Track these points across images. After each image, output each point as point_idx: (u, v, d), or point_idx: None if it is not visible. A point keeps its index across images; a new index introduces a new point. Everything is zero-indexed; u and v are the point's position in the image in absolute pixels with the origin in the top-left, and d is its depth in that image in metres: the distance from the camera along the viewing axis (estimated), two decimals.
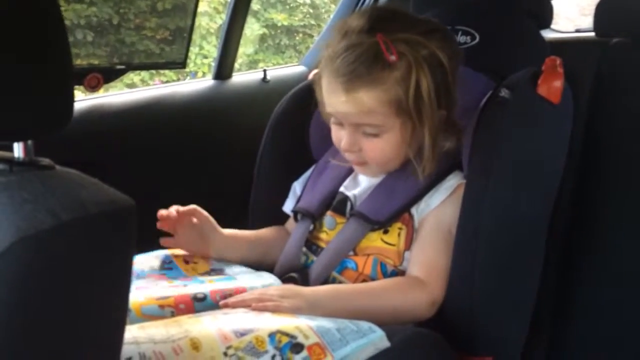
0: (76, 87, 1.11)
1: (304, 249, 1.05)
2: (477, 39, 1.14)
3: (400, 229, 0.97)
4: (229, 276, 0.97)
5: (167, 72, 4.51)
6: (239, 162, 1.31)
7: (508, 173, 0.92)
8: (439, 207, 0.97)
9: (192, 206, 1.02)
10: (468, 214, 0.93)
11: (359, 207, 1.01)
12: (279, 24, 5.22)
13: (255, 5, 4.71)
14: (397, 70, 0.90)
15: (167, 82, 3.96)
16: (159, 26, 1.38)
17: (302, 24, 5.36)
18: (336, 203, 1.05)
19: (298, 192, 1.15)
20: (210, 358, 0.72)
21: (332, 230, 1.03)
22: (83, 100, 1.35)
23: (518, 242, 0.95)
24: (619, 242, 1.11)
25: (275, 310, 0.83)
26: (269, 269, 1.05)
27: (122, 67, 1.26)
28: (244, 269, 1.02)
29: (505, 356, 0.97)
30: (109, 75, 1.21)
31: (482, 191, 0.92)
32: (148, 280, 0.93)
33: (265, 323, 0.78)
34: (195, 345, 0.72)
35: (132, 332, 0.73)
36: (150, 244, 0.94)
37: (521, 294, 0.97)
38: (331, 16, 2.01)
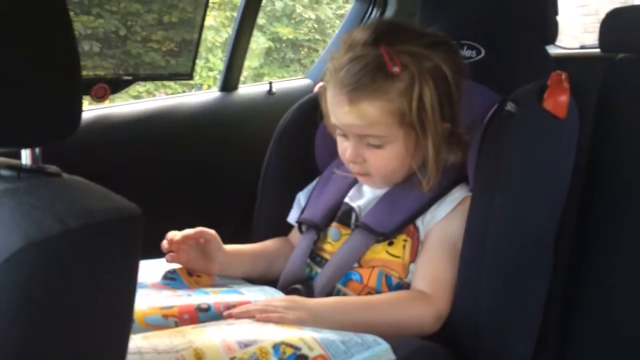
0: (83, 97, 1.11)
1: (309, 260, 1.05)
2: (483, 54, 1.14)
3: (405, 241, 0.97)
4: (233, 289, 0.96)
5: (172, 84, 4.54)
6: (244, 173, 1.31)
7: (514, 187, 0.92)
8: (445, 219, 0.96)
9: (199, 229, 1.02)
10: (474, 227, 0.93)
11: (364, 218, 1.01)
12: (284, 38, 5.26)
13: (260, 20, 4.74)
14: (401, 81, 0.91)
15: (172, 94, 3.98)
16: (165, 38, 1.40)
17: (307, 38, 5.41)
18: (341, 214, 1.05)
19: (302, 203, 1.15)
20: None
21: (336, 241, 1.03)
22: (89, 110, 1.36)
23: (524, 256, 0.94)
24: (628, 258, 1.10)
25: (280, 321, 0.83)
26: (273, 281, 1.05)
27: (129, 78, 1.26)
28: (245, 283, 1.01)
29: None
30: (115, 85, 1.22)
31: (488, 205, 0.92)
32: (150, 289, 0.93)
33: (270, 334, 0.78)
34: (198, 355, 0.72)
35: (136, 342, 0.73)
36: (153, 253, 0.94)
37: (527, 309, 0.97)
38: (336, 31, 2.02)
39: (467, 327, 0.92)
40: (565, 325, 1.10)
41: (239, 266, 1.06)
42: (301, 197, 1.16)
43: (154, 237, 0.94)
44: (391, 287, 0.97)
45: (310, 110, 1.19)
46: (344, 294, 0.98)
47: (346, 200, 1.07)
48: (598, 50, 1.25)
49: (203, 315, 0.86)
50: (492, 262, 0.91)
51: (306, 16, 5.33)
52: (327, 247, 1.04)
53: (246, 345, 0.75)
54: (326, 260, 1.02)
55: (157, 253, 0.99)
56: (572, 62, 1.24)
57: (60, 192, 0.52)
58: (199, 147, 1.48)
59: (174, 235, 1.00)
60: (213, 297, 0.90)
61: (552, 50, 1.22)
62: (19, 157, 0.62)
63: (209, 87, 4.64)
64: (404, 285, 0.97)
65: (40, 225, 0.47)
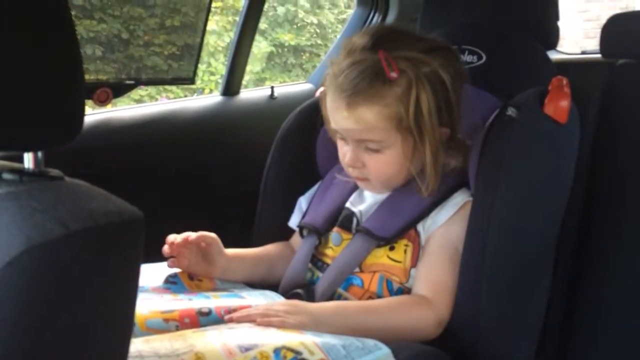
0: (85, 101, 1.12)
1: (310, 265, 1.05)
2: (484, 59, 1.14)
3: (406, 245, 0.97)
4: (234, 293, 0.96)
5: (174, 88, 4.55)
6: (246, 177, 1.32)
7: (515, 192, 0.92)
8: (446, 224, 0.96)
9: (200, 233, 1.02)
10: (475, 232, 0.93)
11: (365, 223, 1.01)
12: (286, 43, 5.27)
13: (262, 25, 4.76)
14: (398, 86, 0.91)
15: (173, 98, 3.99)
16: (167, 42, 1.40)
17: (309, 43, 5.42)
18: (342, 219, 1.05)
19: (304, 207, 1.15)
20: None
21: (338, 246, 1.03)
22: (91, 114, 1.36)
23: (525, 261, 0.94)
24: (628, 262, 1.10)
25: (280, 325, 0.83)
26: (274, 285, 1.05)
27: (132, 82, 1.27)
28: (247, 288, 1.01)
29: None
30: (118, 90, 1.22)
31: (489, 209, 0.92)
32: (152, 293, 0.93)
33: (270, 338, 0.78)
34: (199, 359, 0.72)
35: (137, 346, 0.73)
36: (155, 257, 0.94)
37: (528, 314, 0.97)
38: (337, 36, 2.02)
39: (468, 332, 0.92)
40: (565, 331, 1.10)
41: (240, 270, 1.06)
42: (302, 202, 1.16)
43: (156, 241, 0.94)
44: (392, 292, 0.97)
45: (311, 115, 1.19)
46: (345, 299, 0.98)
47: (347, 205, 1.07)
48: (599, 55, 1.25)
49: (204, 319, 0.86)
50: (492, 267, 0.91)
51: (308, 21, 5.34)
52: (329, 251, 1.04)
53: (247, 349, 0.75)
54: (327, 265, 1.02)
55: (159, 257, 0.99)
56: (573, 68, 1.25)
57: (62, 196, 0.53)
58: (201, 151, 1.48)
59: (174, 238, 1.00)
60: (214, 301, 0.90)
61: (553, 55, 1.22)
62: (21, 160, 0.62)
63: (211, 91, 4.65)
64: (405, 290, 0.96)
65: (42, 229, 0.47)
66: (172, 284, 0.97)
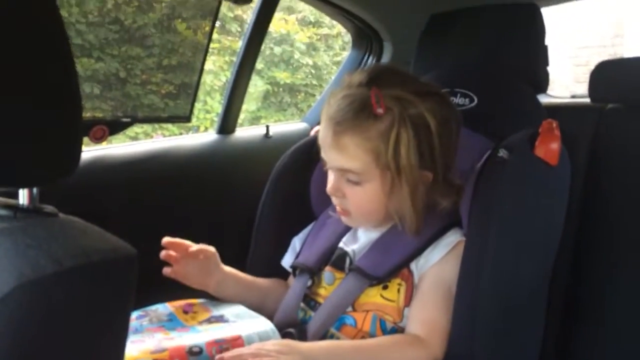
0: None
1: (302, 304, 1.04)
2: (475, 101, 1.17)
3: (399, 284, 0.97)
4: (226, 323, 0.95)
5: (169, 126, 4.57)
6: (240, 215, 1.32)
7: (507, 232, 0.93)
8: (439, 263, 0.96)
9: (200, 245, 1.04)
10: (468, 273, 0.93)
11: (358, 262, 1.01)
12: (282, 82, 5.34)
13: (259, 64, 4.83)
14: (382, 123, 0.93)
15: (169, 135, 4.01)
16: (164, 81, 1.42)
17: (304, 83, 5.48)
18: (335, 258, 1.05)
19: (298, 247, 1.15)
20: None
21: (330, 285, 1.03)
22: (87, 151, 1.36)
23: (518, 302, 0.94)
24: (619, 304, 1.10)
25: None
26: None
27: (128, 119, 1.28)
28: (243, 310, 1.00)
29: None
30: (114, 127, 1.23)
31: (482, 250, 0.92)
32: (144, 334, 0.92)
33: None
34: None
35: None
36: (150, 295, 0.93)
37: (522, 355, 0.96)
38: (332, 77, 2.05)
39: None
40: None
41: (233, 288, 1.07)
42: (296, 242, 1.16)
43: (150, 278, 0.93)
44: (386, 332, 0.96)
45: (306, 154, 1.20)
46: (338, 339, 0.97)
47: (340, 244, 1.07)
48: (588, 100, 1.28)
49: (194, 359, 0.85)
50: (486, 307, 0.90)
51: (304, 62, 5.42)
52: (321, 291, 1.04)
53: None
54: (320, 304, 1.02)
55: (152, 296, 0.98)
56: (562, 112, 1.26)
57: (56, 232, 0.53)
58: (196, 189, 1.48)
59: (170, 240, 1.01)
60: (205, 336, 0.89)
61: (543, 99, 1.24)
62: (16, 195, 0.62)
63: (206, 129, 4.68)
64: (398, 330, 0.96)
65: (35, 265, 0.47)
66: (166, 321, 0.96)
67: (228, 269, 1.08)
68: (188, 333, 0.92)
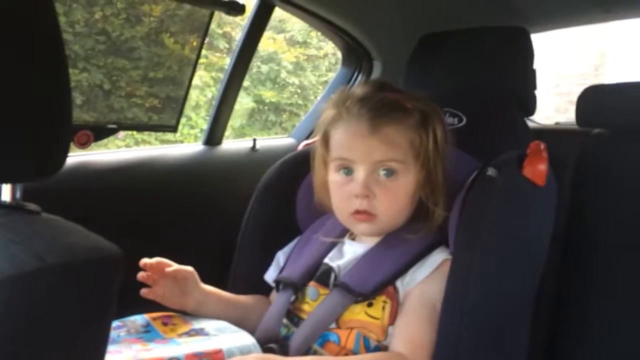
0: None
1: (285, 320, 1.02)
2: (464, 121, 1.17)
3: (384, 302, 0.96)
4: (206, 336, 0.93)
5: (152, 140, 4.54)
6: (224, 227, 1.30)
7: (494, 251, 0.92)
8: (424, 281, 0.96)
9: (178, 266, 1.01)
10: (453, 291, 0.92)
11: (343, 277, 0.99)
12: (267, 101, 5.35)
13: (246, 82, 4.85)
14: (413, 116, 0.98)
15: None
16: (149, 95, 1.41)
17: (289, 102, 5.50)
18: (320, 273, 1.03)
19: (281, 262, 1.13)
20: None
21: (314, 301, 1.01)
22: (70, 156, 1.34)
23: (503, 321, 0.93)
24: (603, 323, 1.10)
25: None
26: None
27: (114, 126, 1.26)
28: (224, 325, 0.98)
29: None
30: (99, 133, 1.22)
31: (468, 268, 0.91)
32: (122, 345, 0.89)
33: None
34: None
35: None
36: (129, 302, 0.91)
37: None
38: (318, 97, 2.06)
39: None
40: None
41: (213, 307, 1.04)
42: (280, 256, 1.15)
43: (129, 288, 0.91)
44: (369, 350, 0.94)
45: (293, 168, 1.19)
46: (321, 355, 0.95)
47: (326, 260, 1.05)
48: (574, 125, 1.29)
49: None
50: (471, 326, 0.90)
51: (290, 81, 5.45)
52: (305, 307, 1.02)
53: None
54: (303, 320, 1.00)
55: (132, 304, 0.95)
56: (549, 135, 1.28)
57: (40, 229, 0.51)
58: (179, 199, 1.47)
59: (148, 261, 0.99)
60: (185, 348, 0.87)
61: (529, 124, 1.26)
62: None
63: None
64: (382, 348, 0.94)
65: (16, 261, 0.45)
66: (145, 332, 0.94)
67: (208, 288, 1.05)
68: (167, 345, 0.89)
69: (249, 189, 1.24)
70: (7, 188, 0.60)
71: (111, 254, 0.50)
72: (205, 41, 1.41)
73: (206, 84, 4.95)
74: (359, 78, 1.83)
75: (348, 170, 0.99)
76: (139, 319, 0.98)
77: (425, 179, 0.99)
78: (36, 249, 0.46)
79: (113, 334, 0.93)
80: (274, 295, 1.11)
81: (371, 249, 1.02)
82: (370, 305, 0.96)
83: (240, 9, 1.31)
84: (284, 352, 0.95)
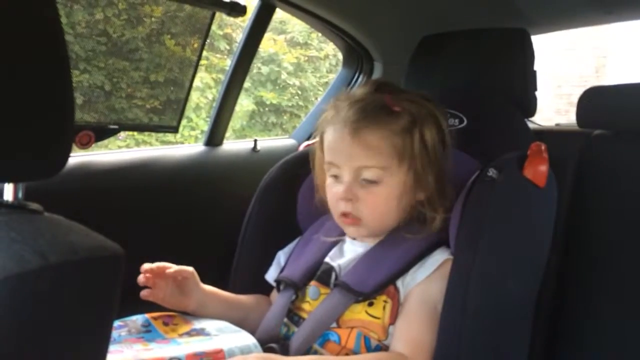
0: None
1: (286, 320, 1.03)
2: (465, 122, 1.18)
3: (385, 302, 0.96)
4: (207, 336, 0.93)
5: (153, 142, 4.54)
6: (225, 228, 1.30)
7: (495, 251, 0.92)
8: (425, 281, 0.96)
9: (178, 267, 1.01)
10: (454, 292, 0.92)
11: (344, 277, 0.99)
12: (268, 102, 5.35)
13: (246, 83, 4.86)
14: (402, 119, 0.97)
15: None
16: (150, 96, 1.41)
17: (290, 104, 5.50)
18: (320, 273, 1.04)
19: (282, 262, 1.13)
20: None
21: (315, 300, 1.01)
22: (71, 156, 1.34)
23: (504, 322, 0.93)
24: (602, 326, 1.10)
25: None
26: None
27: (115, 127, 1.26)
28: (225, 325, 0.98)
29: None
30: (101, 133, 1.22)
31: (469, 269, 0.92)
32: (123, 345, 0.89)
33: None
34: None
35: None
36: (130, 302, 0.91)
37: None
38: (319, 99, 2.06)
39: None
40: None
41: (213, 308, 1.04)
42: (281, 256, 1.15)
43: (130, 288, 0.91)
44: (370, 349, 0.94)
45: (294, 169, 1.19)
46: (321, 355, 0.95)
47: (326, 259, 1.06)
48: (574, 126, 1.29)
49: None
50: (471, 328, 0.90)
51: (290, 82, 5.45)
52: (306, 306, 1.02)
53: None
54: (304, 319, 1.00)
55: (132, 304, 0.95)
56: (550, 136, 1.28)
57: (42, 228, 0.51)
58: (180, 199, 1.46)
59: (149, 267, 0.98)
60: (186, 348, 0.87)
61: (529, 125, 1.26)
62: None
63: None
64: (383, 348, 0.94)
65: (19, 259, 0.45)
66: (145, 332, 0.94)
67: (208, 288, 1.05)
68: (168, 345, 0.89)
69: (249, 189, 1.24)
70: (9, 187, 0.60)
71: (113, 253, 0.50)
72: (206, 43, 1.41)
73: (207, 85, 4.95)
74: (359, 79, 1.83)
75: (336, 173, 1.00)
76: (139, 319, 0.98)
77: (414, 182, 0.98)
78: (39, 247, 0.47)
79: (114, 333, 0.93)
80: (274, 295, 1.12)
81: (372, 249, 1.02)
82: (370, 304, 0.96)
83: (241, 10, 1.32)
84: (285, 351, 0.95)
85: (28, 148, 0.56)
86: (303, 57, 5.57)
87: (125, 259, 0.51)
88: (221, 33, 4.91)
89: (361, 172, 0.97)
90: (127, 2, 1.32)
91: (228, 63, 1.61)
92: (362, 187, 0.97)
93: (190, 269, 1.02)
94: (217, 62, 5.01)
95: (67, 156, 0.60)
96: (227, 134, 1.64)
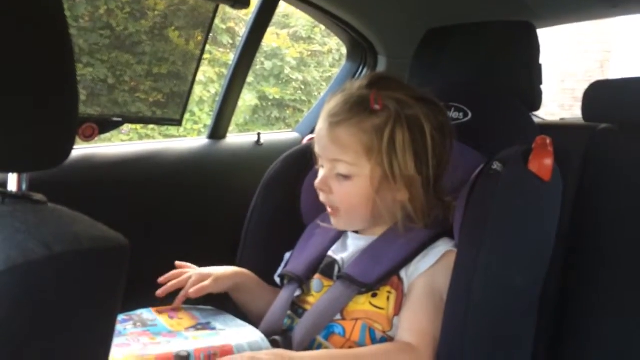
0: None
1: (290, 312, 1.03)
2: (470, 116, 1.17)
3: (389, 292, 0.96)
4: (214, 331, 0.93)
5: (155, 137, 4.55)
6: (228, 221, 1.30)
7: (499, 245, 0.92)
8: (428, 271, 0.96)
9: (200, 287, 1.03)
10: (459, 285, 0.92)
11: (347, 269, 0.99)
12: (271, 97, 5.34)
13: (249, 78, 4.85)
14: (378, 118, 0.96)
15: None
16: (153, 90, 1.41)
17: (293, 98, 5.49)
18: (324, 266, 1.04)
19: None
20: None
21: (319, 292, 1.01)
22: (75, 148, 1.34)
23: (508, 315, 0.93)
24: (607, 320, 1.10)
25: None
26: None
27: (119, 119, 1.26)
28: (230, 318, 0.98)
29: None
30: (104, 126, 1.22)
31: (473, 262, 0.91)
32: (129, 338, 0.89)
33: None
34: None
35: None
36: (133, 299, 0.91)
37: None
38: (321, 93, 2.06)
39: None
40: None
41: (227, 280, 1.07)
42: (287, 257, 1.15)
43: (134, 282, 0.91)
44: (375, 341, 0.94)
45: (297, 162, 1.19)
46: (326, 348, 0.95)
47: (329, 253, 1.06)
48: (580, 120, 1.29)
49: None
50: (475, 320, 0.89)
51: (293, 77, 5.44)
52: (310, 299, 1.02)
53: None
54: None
55: (136, 297, 0.95)
56: (555, 130, 1.27)
57: (46, 218, 0.51)
58: (184, 192, 1.47)
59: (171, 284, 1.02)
60: (193, 343, 0.87)
61: (534, 119, 1.25)
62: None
63: None
64: (388, 340, 0.94)
65: (24, 249, 0.45)
66: (151, 326, 0.94)
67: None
68: (175, 339, 0.89)
69: (253, 182, 1.24)
70: (13, 178, 0.60)
71: (118, 244, 0.50)
72: (209, 37, 1.41)
73: (210, 79, 4.95)
74: (363, 73, 1.83)
75: (321, 164, 1.02)
76: (145, 313, 0.98)
77: (385, 182, 0.97)
78: (43, 237, 0.46)
79: (119, 327, 0.92)
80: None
81: (374, 242, 1.02)
82: (374, 295, 0.96)
83: (245, 3, 1.31)
84: (288, 344, 0.95)
85: (32, 139, 0.56)
86: (306, 52, 5.55)
87: (129, 249, 0.51)
88: (224, 27, 4.89)
89: (335, 166, 0.98)
90: None
91: (231, 57, 1.60)
92: (336, 179, 0.99)
93: (210, 287, 1.03)
94: (220, 56, 5.00)
95: (70, 147, 0.60)
96: (230, 129, 1.64)
